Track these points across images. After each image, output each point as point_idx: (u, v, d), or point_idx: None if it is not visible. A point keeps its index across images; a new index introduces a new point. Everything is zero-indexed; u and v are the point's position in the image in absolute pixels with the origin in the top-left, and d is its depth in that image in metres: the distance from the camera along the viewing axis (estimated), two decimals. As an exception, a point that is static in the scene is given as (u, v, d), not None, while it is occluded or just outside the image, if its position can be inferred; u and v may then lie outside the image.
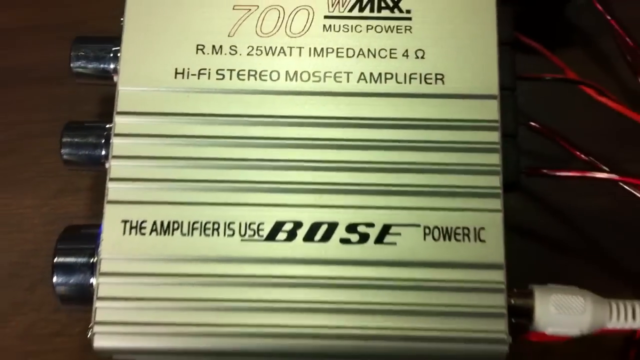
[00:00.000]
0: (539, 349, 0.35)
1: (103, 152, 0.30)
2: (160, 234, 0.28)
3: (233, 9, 0.30)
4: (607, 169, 0.34)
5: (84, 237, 0.29)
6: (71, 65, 0.32)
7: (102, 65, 0.31)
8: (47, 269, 0.32)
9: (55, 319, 0.35)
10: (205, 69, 0.30)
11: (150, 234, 0.28)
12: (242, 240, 0.28)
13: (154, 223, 0.28)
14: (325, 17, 0.31)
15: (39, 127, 0.37)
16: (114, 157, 0.28)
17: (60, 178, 0.36)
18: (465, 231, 0.29)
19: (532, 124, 0.33)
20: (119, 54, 0.30)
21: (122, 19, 0.31)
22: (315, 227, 0.28)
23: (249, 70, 0.30)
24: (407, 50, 0.30)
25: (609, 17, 0.37)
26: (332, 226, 0.28)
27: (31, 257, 0.35)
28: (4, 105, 0.38)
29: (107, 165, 0.29)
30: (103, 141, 0.30)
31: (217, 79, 0.30)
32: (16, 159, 0.37)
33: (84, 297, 0.28)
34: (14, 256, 0.35)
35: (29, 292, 0.35)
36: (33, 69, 0.38)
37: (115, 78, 0.31)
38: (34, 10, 0.40)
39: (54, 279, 0.29)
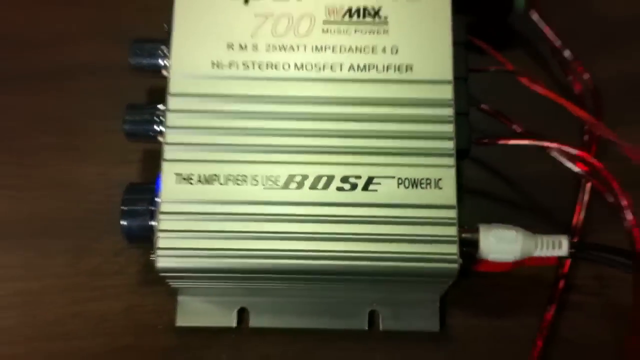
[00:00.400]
0: (488, 284, 0.38)
1: (156, 127, 0.34)
2: (204, 183, 0.33)
3: (254, 16, 0.35)
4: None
5: (143, 190, 0.34)
6: (129, 60, 0.36)
7: (154, 61, 0.35)
8: (108, 223, 0.37)
9: (116, 262, 0.39)
10: (234, 62, 0.34)
11: (196, 183, 0.33)
12: (264, 188, 0.33)
13: (199, 175, 0.33)
14: (324, 22, 0.35)
15: (99, 111, 0.41)
16: (168, 127, 0.33)
17: (117, 152, 0.40)
18: (428, 181, 0.33)
19: (482, 106, 0.38)
20: (166, 52, 0.35)
21: (165, 25, 0.35)
22: (317, 178, 0.33)
23: (267, 63, 0.34)
24: (384, 47, 0.35)
25: (540, 27, 0.41)
26: (330, 178, 0.33)
27: (95, 213, 0.39)
28: (70, 93, 0.42)
29: (159, 138, 0.34)
30: (156, 118, 0.34)
31: (243, 69, 0.34)
32: (81, 137, 0.41)
33: (144, 235, 0.33)
34: (81, 212, 0.39)
35: (94, 240, 0.39)
36: (92, 65, 0.42)
37: (163, 72, 0.35)
38: (91, 19, 0.43)
39: (122, 222, 0.33)
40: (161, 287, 0.37)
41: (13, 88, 0.42)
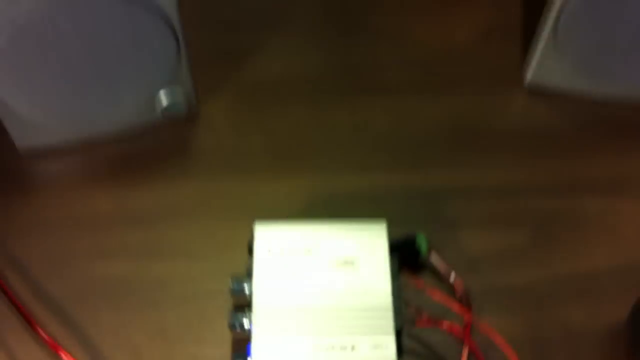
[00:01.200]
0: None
1: (246, 324, 0.55)
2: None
3: (296, 265, 0.57)
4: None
5: (244, 355, 0.54)
6: (230, 288, 0.57)
7: (243, 288, 0.57)
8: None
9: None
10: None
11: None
12: (312, 347, 0.54)
13: (270, 345, 0.55)
14: (328, 266, 0.57)
15: (215, 318, 0.62)
16: (254, 325, 0.54)
17: (223, 337, 0.60)
18: (382, 344, 0.53)
19: (409, 306, 0.58)
20: (250, 282, 0.56)
21: (247, 269, 0.58)
22: (330, 345, 0.54)
23: (302, 285, 0.56)
24: (357, 276, 0.56)
25: (436, 262, 0.63)
26: (337, 345, 0.54)
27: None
28: (189, 315, 0.63)
29: (247, 333, 0.56)
30: (247, 319, 0.55)
31: (290, 289, 0.56)
32: (206, 331, 0.63)
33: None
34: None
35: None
36: (213, 292, 0.62)
37: (247, 294, 0.57)
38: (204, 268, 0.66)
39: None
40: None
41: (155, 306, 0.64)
